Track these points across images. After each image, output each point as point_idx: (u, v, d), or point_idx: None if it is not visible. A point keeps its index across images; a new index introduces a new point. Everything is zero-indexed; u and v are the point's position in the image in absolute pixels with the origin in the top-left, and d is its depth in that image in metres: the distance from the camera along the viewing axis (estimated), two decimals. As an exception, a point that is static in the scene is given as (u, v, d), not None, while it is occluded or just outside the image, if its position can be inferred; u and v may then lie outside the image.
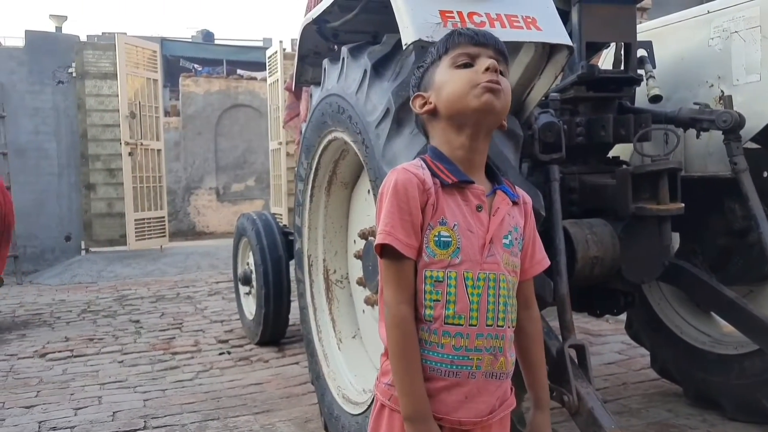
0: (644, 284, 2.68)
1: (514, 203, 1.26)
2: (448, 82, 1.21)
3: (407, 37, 1.74)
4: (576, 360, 1.97)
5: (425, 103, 1.26)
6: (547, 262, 1.35)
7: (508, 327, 1.22)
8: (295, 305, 3.36)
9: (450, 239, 1.17)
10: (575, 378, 1.88)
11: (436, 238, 1.17)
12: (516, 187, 1.31)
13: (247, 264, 4.43)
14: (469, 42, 1.21)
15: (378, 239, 1.19)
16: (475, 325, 1.17)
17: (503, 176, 1.30)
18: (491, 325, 1.19)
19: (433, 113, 1.25)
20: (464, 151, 1.22)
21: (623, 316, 3.15)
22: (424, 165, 1.22)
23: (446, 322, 1.17)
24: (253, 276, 4.22)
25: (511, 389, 1.28)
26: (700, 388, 2.81)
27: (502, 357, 1.21)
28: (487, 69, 1.18)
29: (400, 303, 1.18)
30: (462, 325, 1.17)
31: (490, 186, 1.25)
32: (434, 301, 1.18)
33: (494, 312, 1.19)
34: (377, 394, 1.26)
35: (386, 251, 1.18)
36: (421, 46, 1.72)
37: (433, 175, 1.20)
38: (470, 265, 1.18)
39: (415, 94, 1.29)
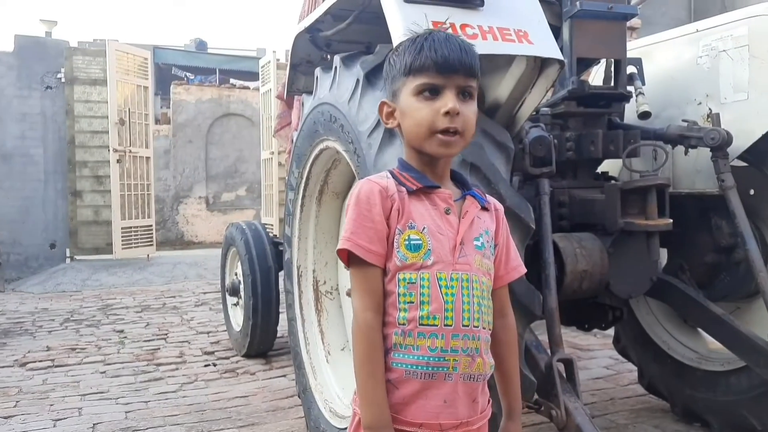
0: (632, 299, 2.68)
1: (484, 208, 1.28)
2: (409, 114, 1.21)
3: (400, 47, 1.74)
4: (564, 374, 1.97)
5: (391, 115, 1.27)
6: (523, 269, 1.36)
7: (483, 328, 1.23)
8: (283, 317, 3.34)
9: (420, 242, 1.19)
10: (563, 393, 1.88)
11: (407, 242, 1.19)
12: (486, 194, 1.33)
13: (236, 274, 4.39)
14: (436, 71, 1.17)
15: (339, 245, 1.22)
16: (451, 326, 1.18)
17: (483, 186, 1.32)
18: (467, 326, 1.19)
19: (400, 128, 1.26)
20: (427, 166, 1.25)
21: (611, 331, 3.16)
22: (389, 175, 1.25)
23: (421, 323, 1.18)
24: (242, 286, 4.19)
25: (489, 400, 1.29)
26: (687, 404, 2.81)
27: (479, 358, 1.21)
28: (447, 113, 1.17)
29: (365, 310, 1.19)
30: (437, 325, 1.17)
31: (459, 192, 1.28)
32: (408, 303, 1.19)
33: (470, 312, 1.19)
34: (355, 408, 1.26)
35: (352, 259, 1.21)
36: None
37: (399, 183, 1.22)
38: (442, 266, 1.19)
39: (381, 101, 1.29)
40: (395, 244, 1.19)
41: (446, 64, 1.17)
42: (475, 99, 1.23)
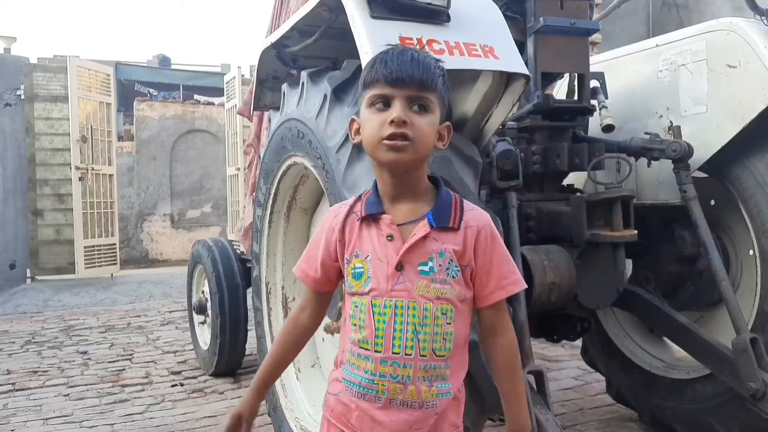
0: (599, 310, 2.71)
1: (447, 229, 1.22)
2: (364, 125, 1.22)
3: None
4: (535, 386, 1.97)
5: (357, 132, 1.26)
6: (516, 287, 1.28)
7: (422, 356, 1.19)
8: (251, 334, 3.29)
9: (362, 270, 1.23)
10: (534, 404, 1.88)
11: (353, 271, 1.25)
12: (467, 212, 1.25)
13: (202, 292, 4.32)
14: (385, 82, 1.18)
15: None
16: (380, 352, 1.20)
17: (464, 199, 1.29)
18: (398, 353, 1.19)
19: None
20: (389, 185, 1.24)
21: (579, 342, 3.18)
22: (355, 199, 1.30)
23: (359, 346, 1.22)
24: (209, 304, 4.12)
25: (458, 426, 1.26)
26: (654, 413, 2.84)
27: (412, 386, 1.19)
28: (392, 122, 1.16)
29: (298, 308, 1.38)
30: (369, 350, 1.21)
31: (422, 212, 1.22)
32: (354, 325, 1.24)
33: (401, 340, 1.19)
34: (324, 411, 1.31)
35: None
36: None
37: (355, 209, 1.27)
38: (378, 292, 1.21)
39: (352, 117, 1.29)
40: (345, 272, 1.27)
41: (394, 76, 1.18)
42: (431, 111, 1.19)
